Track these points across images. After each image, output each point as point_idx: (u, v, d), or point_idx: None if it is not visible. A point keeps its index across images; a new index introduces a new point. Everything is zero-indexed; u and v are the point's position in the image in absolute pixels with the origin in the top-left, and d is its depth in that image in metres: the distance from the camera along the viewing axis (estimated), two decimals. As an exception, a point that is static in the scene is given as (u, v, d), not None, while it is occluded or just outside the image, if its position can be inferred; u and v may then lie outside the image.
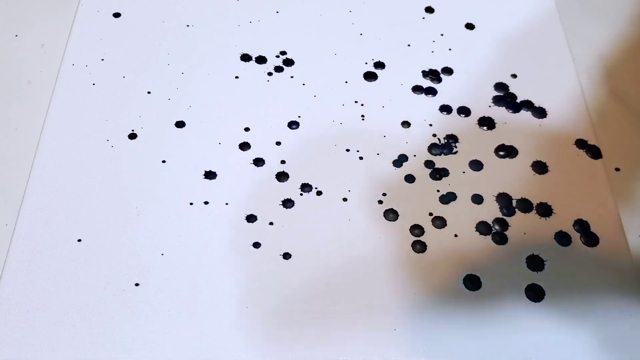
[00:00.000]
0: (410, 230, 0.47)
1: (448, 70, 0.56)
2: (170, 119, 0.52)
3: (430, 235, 0.47)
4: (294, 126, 0.52)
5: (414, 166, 0.50)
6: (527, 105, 0.54)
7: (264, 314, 0.43)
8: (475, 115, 0.53)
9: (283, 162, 0.50)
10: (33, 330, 0.42)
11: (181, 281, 0.44)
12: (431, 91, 0.54)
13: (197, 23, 0.58)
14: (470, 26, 0.59)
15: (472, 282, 0.45)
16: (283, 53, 0.56)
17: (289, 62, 0.56)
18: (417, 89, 0.55)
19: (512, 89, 0.55)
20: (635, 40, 0.58)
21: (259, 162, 0.50)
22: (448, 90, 0.54)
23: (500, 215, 0.48)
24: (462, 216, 0.48)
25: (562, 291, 0.44)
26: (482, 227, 0.47)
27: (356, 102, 0.54)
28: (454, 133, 0.52)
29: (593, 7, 0.60)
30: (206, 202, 0.48)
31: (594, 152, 0.51)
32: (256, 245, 0.46)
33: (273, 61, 0.56)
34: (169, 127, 0.52)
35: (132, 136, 0.51)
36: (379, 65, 0.56)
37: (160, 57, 0.56)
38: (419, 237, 0.47)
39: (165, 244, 0.46)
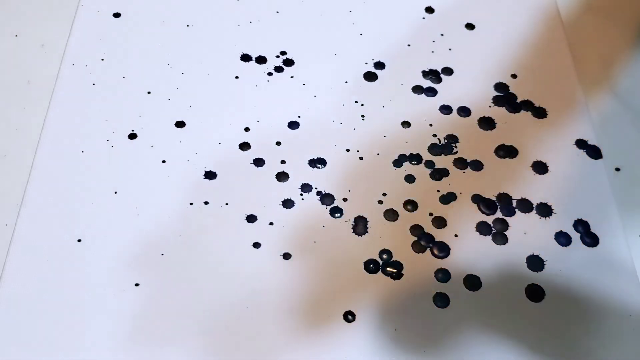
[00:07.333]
0: (410, 230, 0.47)
1: (448, 70, 0.56)
2: (170, 119, 0.52)
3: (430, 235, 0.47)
4: (294, 126, 0.52)
5: (414, 166, 0.50)
6: (527, 105, 0.54)
7: (264, 314, 0.43)
8: (475, 115, 0.53)
9: (283, 162, 0.50)
10: (33, 330, 0.42)
11: (181, 281, 0.44)
12: (431, 91, 0.54)
13: (197, 23, 0.58)
14: (470, 26, 0.59)
15: (472, 282, 0.45)
16: (283, 53, 0.56)
17: (289, 62, 0.56)
18: (417, 89, 0.55)
19: (512, 89, 0.54)
20: (636, 40, 0.58)
21: (259, 162, 0.50)
22: (448, 90, 0.54)
23: (500, 215, 0.48)
24: (462, 216, 0.48)
25: (562, 291, 0.44)
26: (482, 227, 0.47)
27: (356, 102, 0.54)
28: (454, 133, 0.52)
29: (594, 7, 0.60)
30: (206, 202, 0.48)
31: (594, 152, 0.51)
32: (256, 245, 0.46)
33: (273, 61, 0.56)
34: (169, 127, 0.52)
35: (132, 136, 0.51)
36: (379, 65, 0.56)
37: (160, 57, 0.56)
38: (419, 237, 0.47)
39: (165, 244, 0.46)
